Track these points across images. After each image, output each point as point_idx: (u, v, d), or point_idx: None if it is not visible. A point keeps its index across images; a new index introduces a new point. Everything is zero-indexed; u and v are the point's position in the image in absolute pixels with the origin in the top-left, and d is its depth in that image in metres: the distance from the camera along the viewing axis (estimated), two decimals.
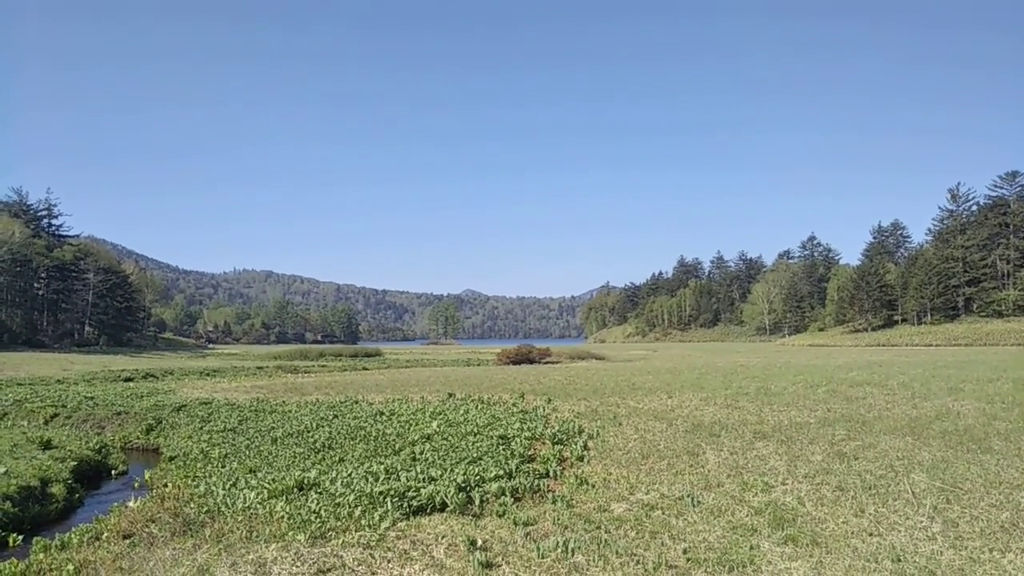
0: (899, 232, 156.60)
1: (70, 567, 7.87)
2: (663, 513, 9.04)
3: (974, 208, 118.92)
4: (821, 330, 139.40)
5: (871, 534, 7.84)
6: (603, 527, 8.51)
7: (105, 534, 9.48)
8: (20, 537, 10.87)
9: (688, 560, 7.26)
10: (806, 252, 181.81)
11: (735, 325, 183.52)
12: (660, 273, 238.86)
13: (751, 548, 7.54)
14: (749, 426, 14.70)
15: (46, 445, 17.18)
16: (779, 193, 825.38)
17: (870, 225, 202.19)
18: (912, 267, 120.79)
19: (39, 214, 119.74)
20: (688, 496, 9.66)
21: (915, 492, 9.24)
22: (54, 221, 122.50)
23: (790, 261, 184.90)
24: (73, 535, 9.57)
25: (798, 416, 15.81)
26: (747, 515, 8.77)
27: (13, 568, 8.00)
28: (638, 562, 7.23)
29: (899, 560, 7.02)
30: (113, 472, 17.06)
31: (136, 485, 14.88)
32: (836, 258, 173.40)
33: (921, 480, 9.78)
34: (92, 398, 28.29)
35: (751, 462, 11.55)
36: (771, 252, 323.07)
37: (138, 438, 21.45)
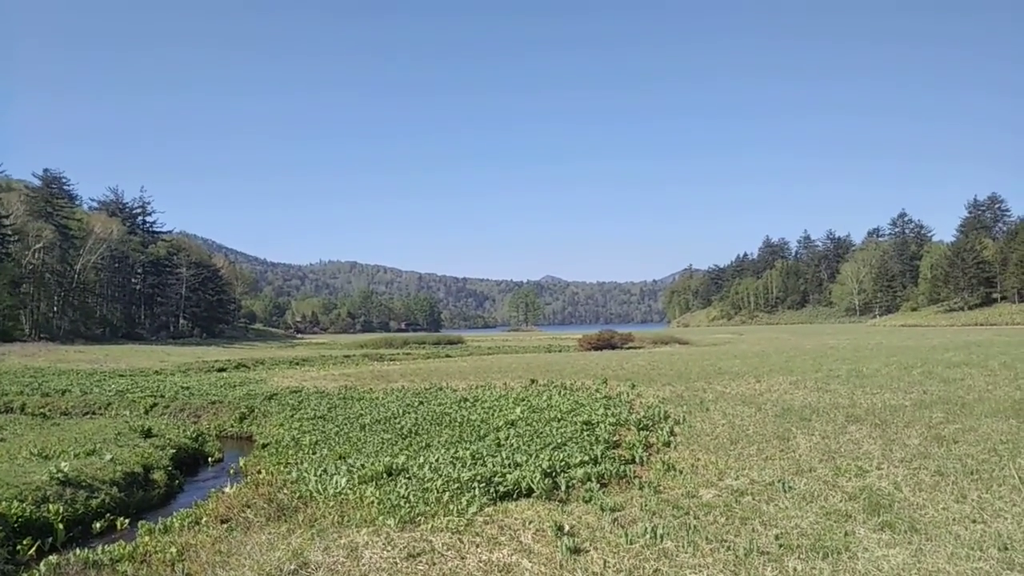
0: (997, 206, 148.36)
1: (173, 550, 8.20)
2: (753, 499, 8.86)
3: None
4: (914, 310, 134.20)
5: (974, 521, 7.50)
6: (692, 513, 8.40)
7: (204, 519, 9.85)
8: (127, 521, 11.48)
9: (781, 547, 7.09)
10: (896, 229, 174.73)
11: (824, 306, 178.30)
12: (745, 255, 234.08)
13: (846, 534, 7.32)
14: (841, 409, 14.29)
15: (147, 433, 17.95)
16: (869, 174, 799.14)
17: (964, 200, 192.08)
18: (1012, 242, 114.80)
19: (134, 212, 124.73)
20: (779, 481, 9.45)
21: (1021, 478, 8.80)
22: (148, 218, 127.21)
23: (880, 239, 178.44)
24: (175, 519, 9.97)
25: (892, 399, 15.28)
26: (841, 500, 8.52)
27: (122, 550, 8.40)
28: (729, 548, 7.10)
29: (1006, 548, 6.69)
30: (209, 459, 17.76)
31: (231, 472, 15.37)
32: (928, 235, 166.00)
33: None
34: (188, 388, 29.47)
35: (844, 446, 11.23)
36: (860, 230, 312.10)
37: (232, 426, 22.19)
